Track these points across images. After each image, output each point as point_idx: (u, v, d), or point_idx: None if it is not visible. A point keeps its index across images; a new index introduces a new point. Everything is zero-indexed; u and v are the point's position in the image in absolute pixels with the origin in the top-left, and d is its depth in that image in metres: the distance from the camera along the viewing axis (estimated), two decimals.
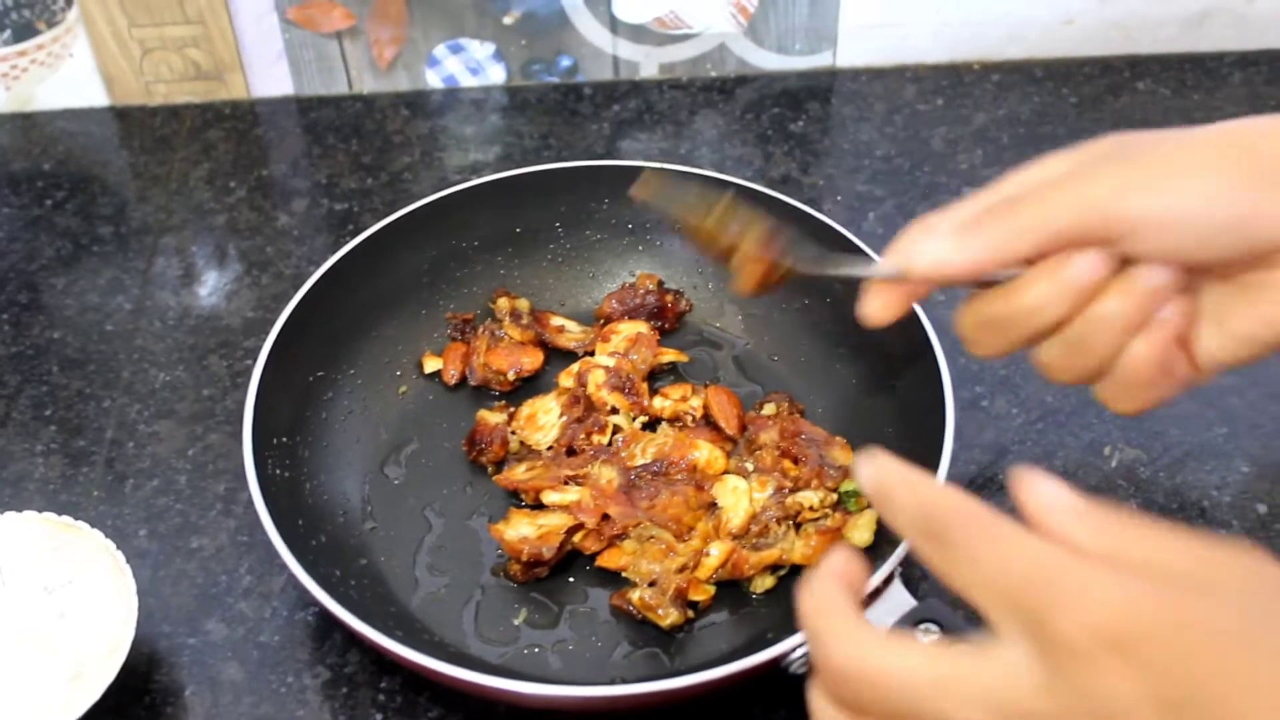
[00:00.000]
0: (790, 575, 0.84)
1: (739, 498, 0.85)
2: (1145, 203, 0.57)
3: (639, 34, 1.21)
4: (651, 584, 0.82)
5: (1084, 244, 0.58)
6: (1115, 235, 0.57)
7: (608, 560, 0.84)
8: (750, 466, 0.87)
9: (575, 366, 0.94)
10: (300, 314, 0.90)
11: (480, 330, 0.97)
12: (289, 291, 0.99)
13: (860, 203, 1.11)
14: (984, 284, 0.62)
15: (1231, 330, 0.61)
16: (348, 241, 0.94)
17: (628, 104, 1.22)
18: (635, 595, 0.82)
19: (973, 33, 1.23)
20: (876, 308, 0.64)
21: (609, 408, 0.91)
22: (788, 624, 0.75)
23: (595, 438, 0.89)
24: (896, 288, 0.63)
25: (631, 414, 0.91)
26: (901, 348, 0.88)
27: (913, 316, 0.87)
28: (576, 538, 0.85)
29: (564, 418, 0.91)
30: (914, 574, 0.84)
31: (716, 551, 0.83)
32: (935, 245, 0.60)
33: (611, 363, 0.93)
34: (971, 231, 0.59)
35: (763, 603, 0.84)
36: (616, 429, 0.90)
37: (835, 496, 0.85)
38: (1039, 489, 0.49)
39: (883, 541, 0.82)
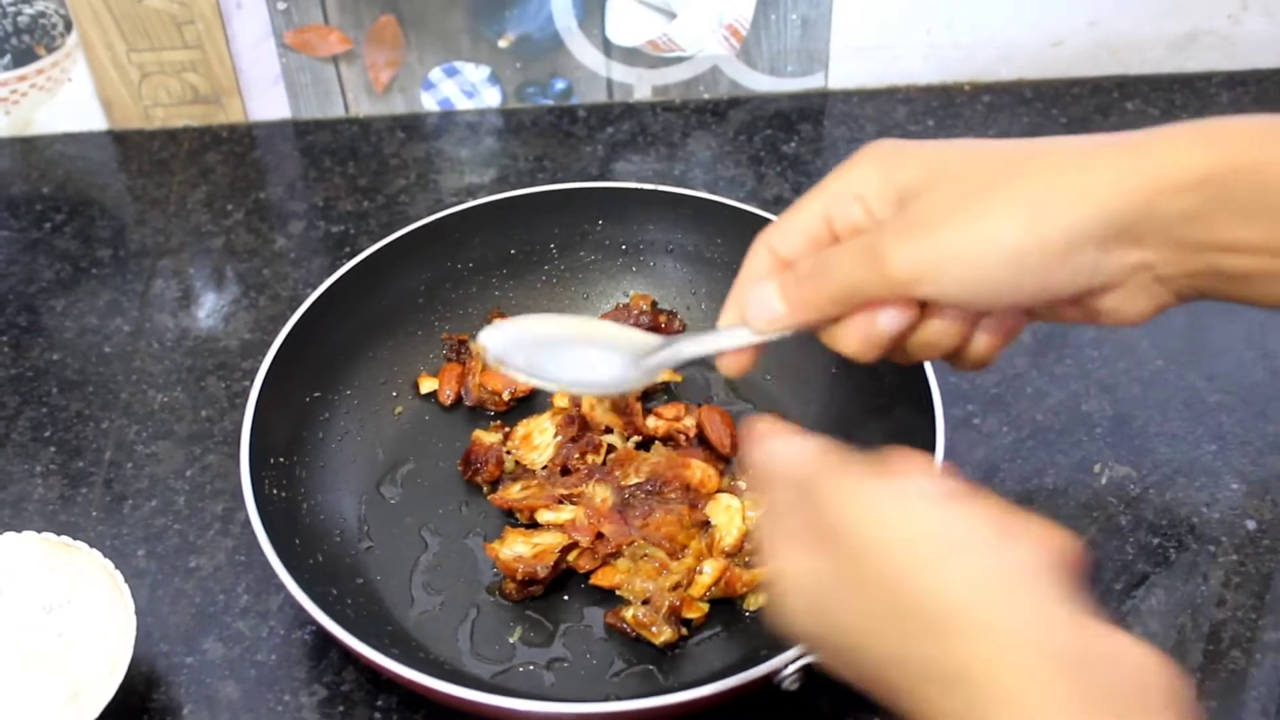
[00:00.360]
0: None
1: (732, 516, 0.85)
2: (929, 275, 0.61)
3: (632, 57, 1.22)
4: (645, 602, 0.83)
5: (885, 301, 0.63)
6: (910, 295, 0.63)
7: (602, 578, 0.85)
8: (743, 485, 0.88)
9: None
10: (297, 335, 0.91)
11: (475, 351, 0.98)
12: (286, 313, 1.00)
13: None
14: None
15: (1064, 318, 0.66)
16: (344, 263, 0.95)
17: (621, 126, 1.23)
18: (629, 613, 0.83)
19: (963, 54, 1.24)
20: (730, 364, 0.70)
21: (603, 427, 0.92)
22: (781, 640, 0.76)
23: (589, 457, 0.90)
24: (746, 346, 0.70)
25: (625, 433, 0.92)
26: (892, 366, 0.89)
27: None
28: (571, 556, 0.86)
29: (559, 437, 0.91)
30: None
31: (710, 569, 0.83)
32: (771, 307, 0.67)
33: None
34: (795, 296, 0.66)
35: (756, 620, 0.84)
36: (610, 448, 0.91)
37: None
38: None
39: None
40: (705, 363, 0.99)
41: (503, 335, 0.74)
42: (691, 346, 0.71)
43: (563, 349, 0.74)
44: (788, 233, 0.68)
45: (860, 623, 0.56)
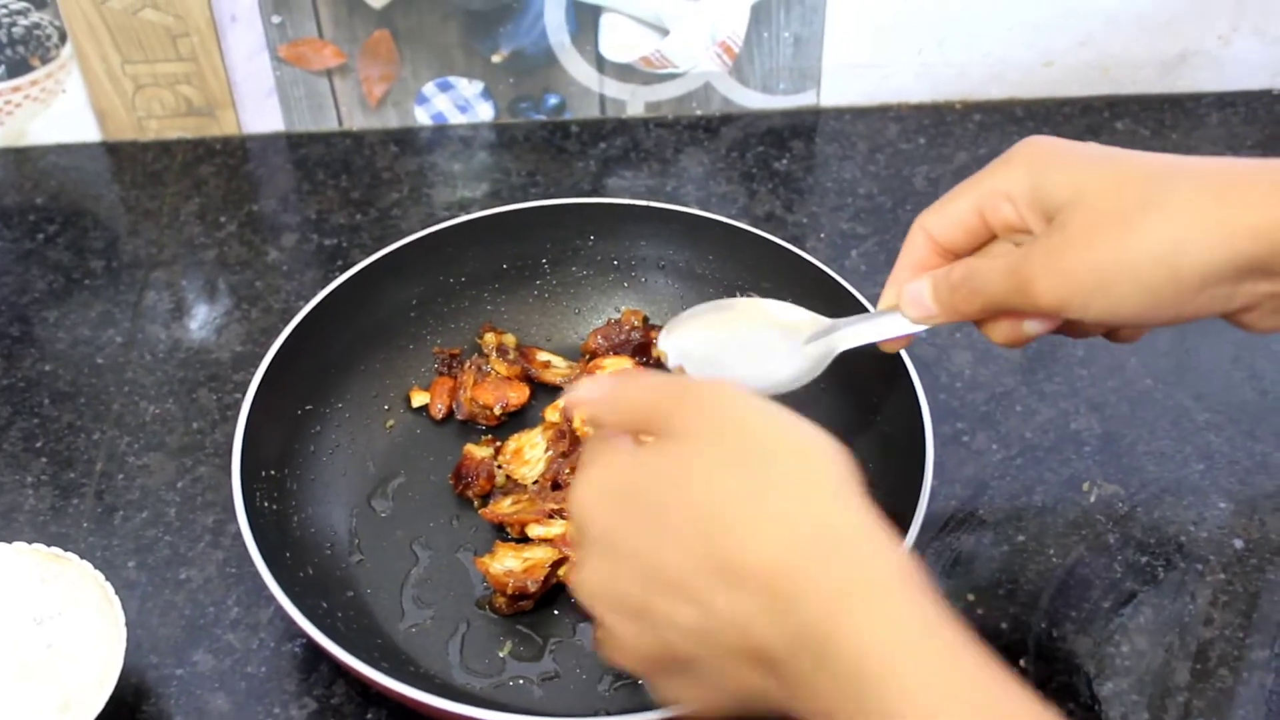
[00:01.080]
0: None
1: None
2: (1072, 303, 0.66)
3: (625, 73, 1.23)
4: None
5: (1027, 314, 0.70)
6: (1053, 316, 0.69)
7: None
8: None
9: (561, 401, 0.95)
10: (289, 348, 0.91)
11: (467, 365, 0.98)
12: (278, 326, 1.00)
13: (843, 240, 1.13)
14: None
15: None
16: (337, 276, 0.95)
17: (614, 142, 1.23)
18: None
19: (955, 73, 1.24)
20: (892, 345, 0.79)
21: None
22: None
23: None
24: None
25: None
26: (882, 383, 0.90)
27: (896, 353, 0.88)
28: (561, 571, 0.86)
29: (550, 452, 0.92)
30: None
31: None
32: (925, 305, 0.74)
33: None
34: (947, 300, 0.73)
35: None
36: None
37: None
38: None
39: None
40: None
41: (679, 341, 0.82)
42: (852, 335, 0.78)
43: (734, 342, 0.82)
44: (944, 219, 0.75)
45: (666, 566, 0.58)
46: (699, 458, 0.58)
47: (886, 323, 0.75)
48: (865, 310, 0.91)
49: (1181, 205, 0.64)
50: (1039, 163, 0.70)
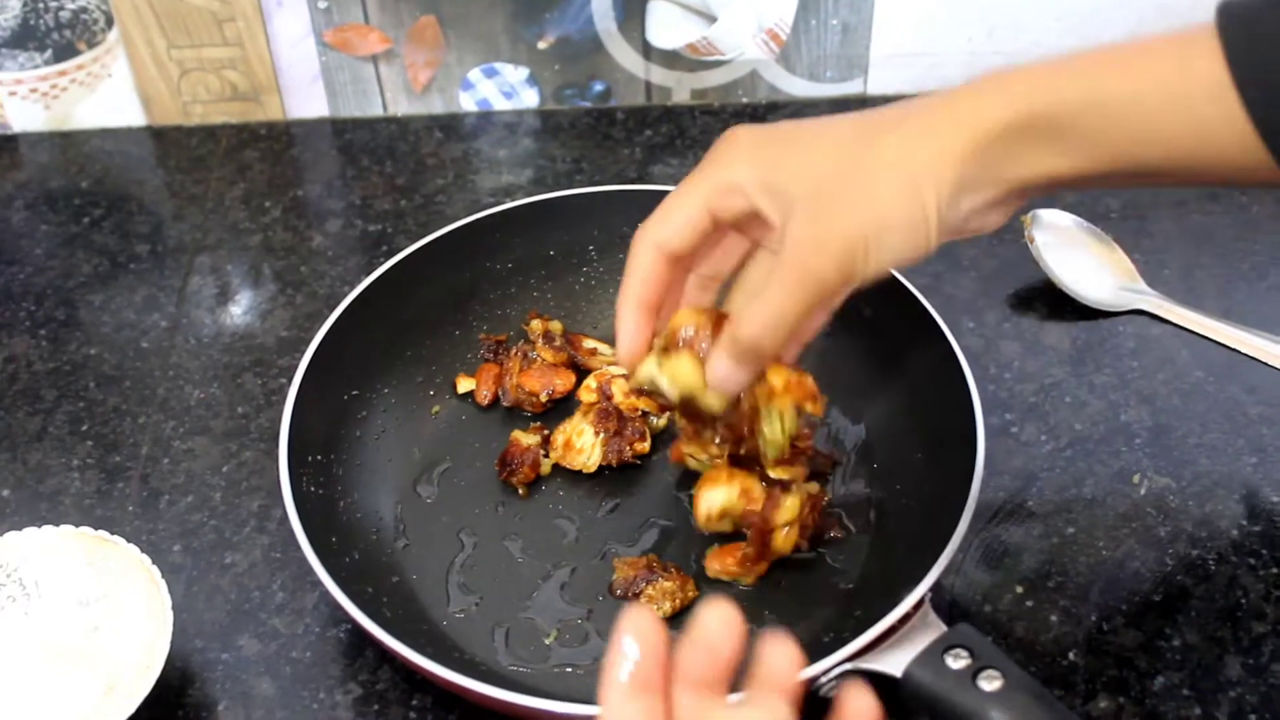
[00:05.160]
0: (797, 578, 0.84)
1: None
2: (850, 267, 0.72)
3: (672, 60, 1.22)
4: None
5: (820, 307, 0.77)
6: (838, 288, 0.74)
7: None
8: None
9: (593, 381, 0.94)
10: (336, 333, 0.91)
11: (513, 352, 0.98)
12: (323, 311, 1.00)
13: None
14: None
15: None
16: (381, 262, 0.95)
17: (660, 129, 1.23)
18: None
19: (1003, 62, 1.22)
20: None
21: (639, 412, 0.91)
22: (815, 648, 0.76)
23: (638, 446, 0.90)
24: None
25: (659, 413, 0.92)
26: (933, 375, 0.89)
27: (945, 343, 0.87)
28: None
29: (601, 435, 0.91)
30: (943, 600, 0.85)
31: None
32: (734, 375, 0.77)
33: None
34: (747, 345, 0.76)
35: (794, 626, 0.83)
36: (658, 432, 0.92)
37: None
38: None
39: (914, 566, 0.82)
40: None
41: None
42: None
43: None
44: (672, 227, 0.77)
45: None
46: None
47: None
48: (915, 298, 0.90)
49: (898, 154, 0.71)
50: (759, 154, 0.73)
